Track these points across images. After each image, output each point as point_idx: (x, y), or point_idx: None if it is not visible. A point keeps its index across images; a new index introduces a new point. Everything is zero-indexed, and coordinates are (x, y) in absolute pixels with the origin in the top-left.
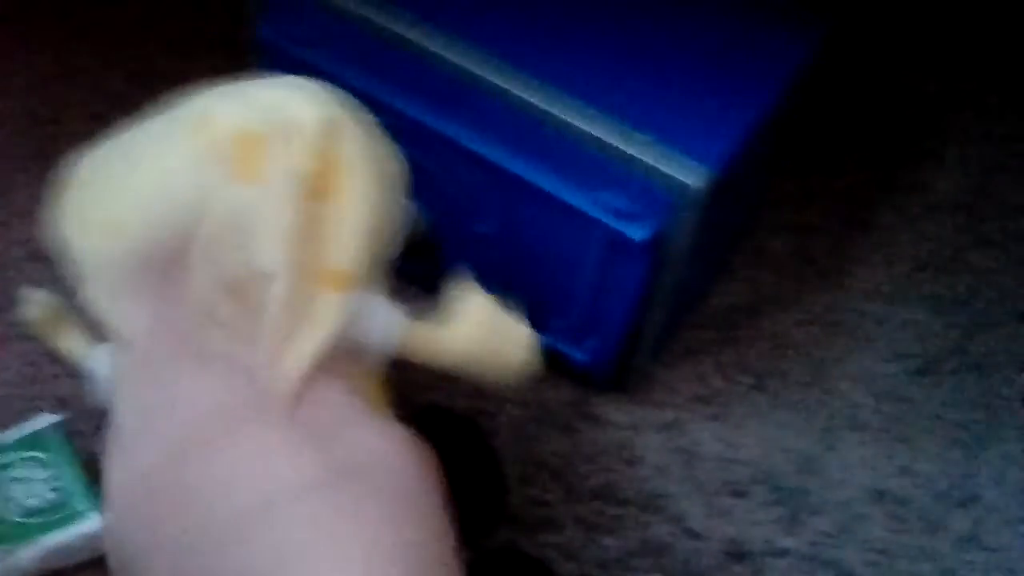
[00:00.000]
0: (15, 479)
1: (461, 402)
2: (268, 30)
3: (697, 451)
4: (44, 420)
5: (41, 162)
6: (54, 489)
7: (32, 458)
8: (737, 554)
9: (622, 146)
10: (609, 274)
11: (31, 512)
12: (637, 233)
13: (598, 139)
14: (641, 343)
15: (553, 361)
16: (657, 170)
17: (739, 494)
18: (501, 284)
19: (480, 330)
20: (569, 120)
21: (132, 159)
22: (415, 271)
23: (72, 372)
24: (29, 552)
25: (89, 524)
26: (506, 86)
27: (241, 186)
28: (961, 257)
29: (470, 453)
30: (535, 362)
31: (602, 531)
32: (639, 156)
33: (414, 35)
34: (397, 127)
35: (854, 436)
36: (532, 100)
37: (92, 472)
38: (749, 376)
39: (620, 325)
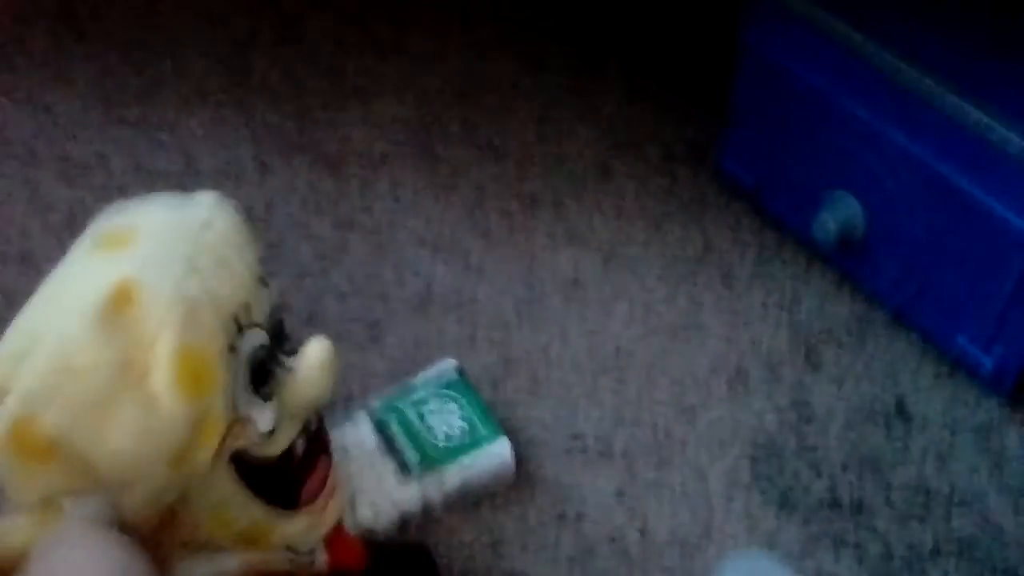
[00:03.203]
0: (432, 412)
1: None
2: (753, 36)
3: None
4: (446, 364)
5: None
6: (462, 419)
7: (442, 395)
8: None
9: None
10: None
11: (448, 439)
12: None
13: None
14: None
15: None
16: None
17: None
18: (921, 283)
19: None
20: (1006, 137)
21: None
22: None
23: None
24: (451, 472)
25: (496, 447)
26: (949, 102)
27: None
28: None
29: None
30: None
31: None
32: None
33: (874, 51)
34: (852, 129)
35: None
36: (971, 115)
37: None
38: None
39: None
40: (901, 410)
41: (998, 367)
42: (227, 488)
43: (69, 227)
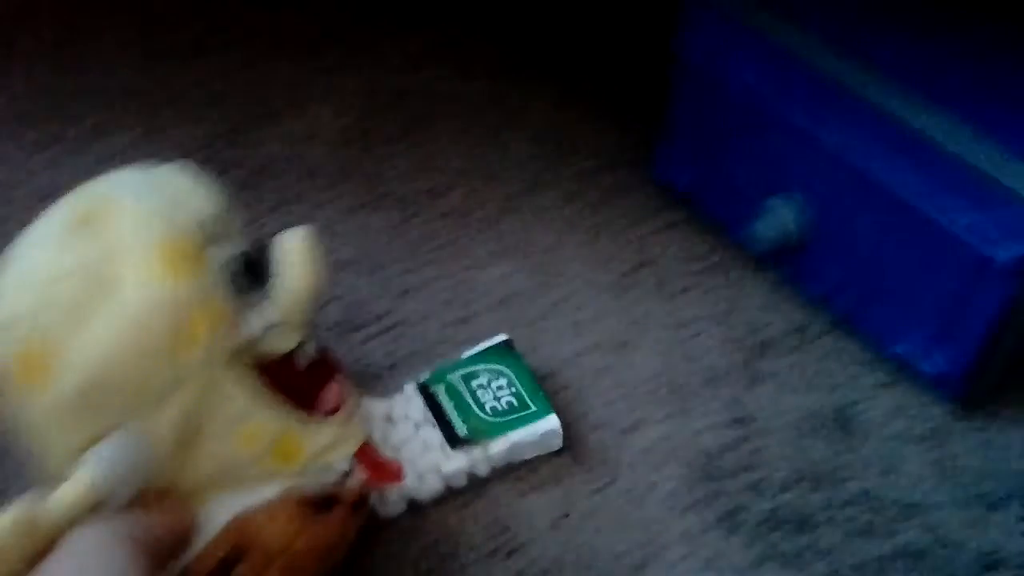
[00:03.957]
0: (481, 386)
1: None
2: (688, 39)
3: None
4: (497, 338)
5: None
6: (512, 393)
7: (492, 369)
8: (991, 564)
9: (996, 172)
10: (970, 292)
11: (497, 412)
12: (1003, 255)
13: (974, 164)
14: (992, 362)
15: (900, 370)
16: None
17: (993, 507)
18: (862, 288)
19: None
20: (947, 142)
21: None
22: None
23: None
24: (498, 445)
25: (544, 423)
26: (888, 104)
27: None
28: None
29: None
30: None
31: (858, 534)
32: (1013, 183)
33: (811, 52)
34: (789, 134)
35: None
36: (910, 117)
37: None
38: None
39: (974, 342)
40: (844, 421)
41: (941, 374)
42: (247, 393)
43: None
